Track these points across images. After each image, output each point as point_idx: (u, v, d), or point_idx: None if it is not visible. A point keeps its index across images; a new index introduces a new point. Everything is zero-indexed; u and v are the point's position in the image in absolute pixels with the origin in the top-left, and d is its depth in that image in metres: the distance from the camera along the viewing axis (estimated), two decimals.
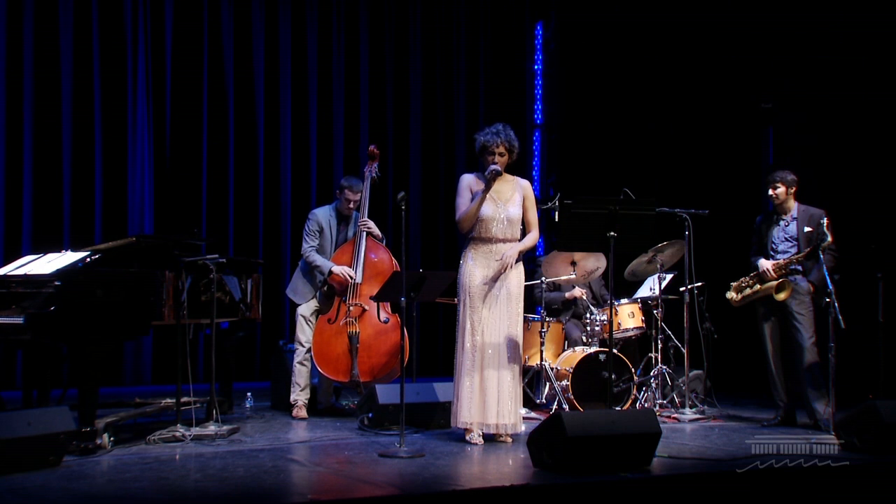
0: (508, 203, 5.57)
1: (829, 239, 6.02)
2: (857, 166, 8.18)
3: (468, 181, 5.63)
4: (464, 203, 5.57)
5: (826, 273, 5.96)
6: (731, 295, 6.72)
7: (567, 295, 7.51)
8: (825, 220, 6.07)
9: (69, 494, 4.10)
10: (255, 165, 9.26)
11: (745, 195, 8.60)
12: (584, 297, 7.45)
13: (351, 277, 6.56)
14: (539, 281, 7.17)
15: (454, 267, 5.70)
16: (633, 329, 7.26)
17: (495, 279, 5.52)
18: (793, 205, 6.50)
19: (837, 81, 8.28)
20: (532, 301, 6.97)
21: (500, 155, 5.51)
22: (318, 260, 6.65)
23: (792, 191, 6.48)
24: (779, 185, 6.45)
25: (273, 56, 9.34)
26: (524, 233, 5.67)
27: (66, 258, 5.24)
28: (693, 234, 6.86)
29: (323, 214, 6.79)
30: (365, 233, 6.67)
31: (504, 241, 5.56)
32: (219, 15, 9.09)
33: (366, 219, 6.69)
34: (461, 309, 5.57)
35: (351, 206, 6.74)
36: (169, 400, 6.02)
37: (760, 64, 8.84)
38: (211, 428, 5.61)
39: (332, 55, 9.61)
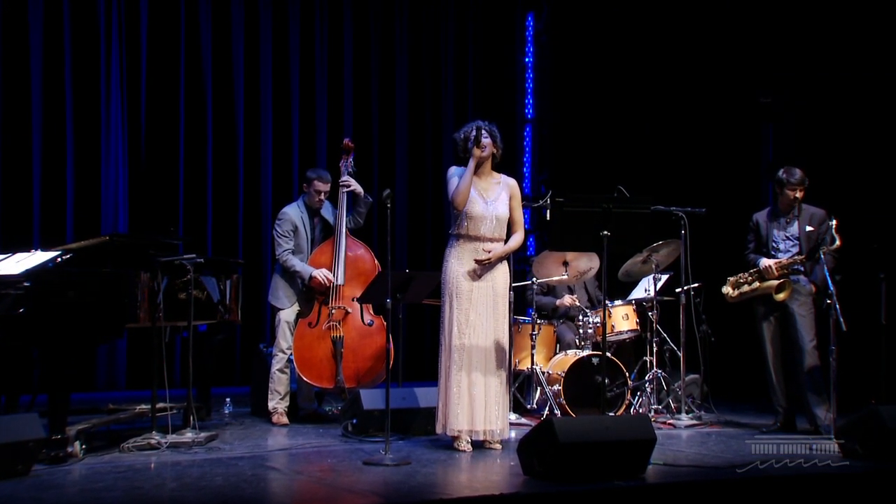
0: (497, 201, 5.50)
1: (838, 243, 5.98)
2: (859, 164, 8.19)
3: (457, 172, 5.52)
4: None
5: (827, 274, 5.90)
6: (726, 290, 6.62)
7: (557, 303, 7.38)
8: (834, 222, 6.01)
9: None
10: (234, 162, 9.10)
11: (744, 193, 8.60)
12: (577, 303, 7.32)
13: (331, 281, 6.41)
14: (530, 282, 7.04)
15: (442, 267, 5.59)
16: (627, 331, 7.16)
17: (481, 279, 5.45)
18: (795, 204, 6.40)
19: (839, 77, 8.28)
20: (524, 303, 6.90)
21: (485, 137, 5.46)
22: (298, 265, 6.50)
23: None
24: (803, 189, 6.29)
25: (253, 48, 9.18)
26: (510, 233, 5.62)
27: (36, 258, 5.16)
28: (690, 234, 6.80)
29: (294, 212, 6.63)
30: (344, 232, 6.53)
31: (492, 240, 5.49)
32: (197, 6, 8.93)
33: (346, 178, 6.51)
34: (445, 310, 5.49)
35: (322, 196, 6.59)
36: (144, 406, 5.94)
37: (759, 57, 8.79)
38: (188, 435, 5.52)
39: (315, 48, 9.48)
